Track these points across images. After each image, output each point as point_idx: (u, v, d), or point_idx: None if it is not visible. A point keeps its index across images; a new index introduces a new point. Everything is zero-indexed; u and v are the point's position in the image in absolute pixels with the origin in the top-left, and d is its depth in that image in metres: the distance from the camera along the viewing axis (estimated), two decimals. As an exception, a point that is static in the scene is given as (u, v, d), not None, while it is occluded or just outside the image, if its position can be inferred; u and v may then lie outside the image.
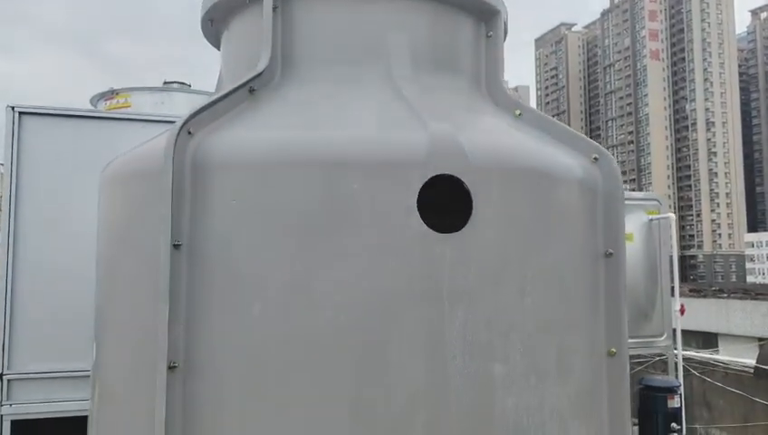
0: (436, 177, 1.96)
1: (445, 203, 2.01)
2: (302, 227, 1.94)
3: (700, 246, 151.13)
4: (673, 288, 6.57)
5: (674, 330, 6.69)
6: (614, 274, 2.34)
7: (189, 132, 2.04)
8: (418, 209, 1.95)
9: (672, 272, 6.55)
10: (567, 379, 2.16)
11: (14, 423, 4.04)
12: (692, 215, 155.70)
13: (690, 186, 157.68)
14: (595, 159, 2.39)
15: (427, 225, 1.94)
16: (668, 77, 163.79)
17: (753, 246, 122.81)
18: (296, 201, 1.95)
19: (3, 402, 4.04)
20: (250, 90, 2.26)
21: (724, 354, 14.21)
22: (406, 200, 1.94)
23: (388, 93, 2.25)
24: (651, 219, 6.47)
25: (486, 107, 2.47)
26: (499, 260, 2.05)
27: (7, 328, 4.10)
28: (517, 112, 2.51)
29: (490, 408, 1.96)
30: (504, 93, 2.54)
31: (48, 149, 4.25)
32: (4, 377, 4.04)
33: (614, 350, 2.31)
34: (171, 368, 1.92)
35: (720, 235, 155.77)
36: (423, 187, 1.95)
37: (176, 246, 1.96)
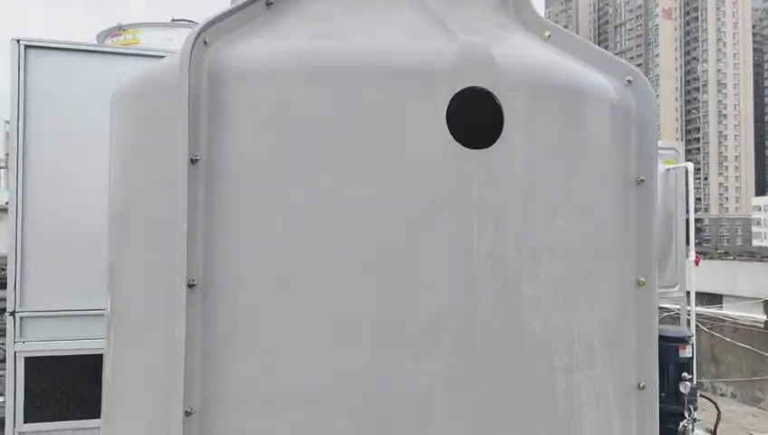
0: (466, 89, 1.86)
1: (474, 118, 1.92)
2: (324, 141, 1.85)
3: (707, 210, 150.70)
4: (688, 238, 6.50)
5: (687, 292, 6.66)
6: (645, 202, 2.25)
7: (205, 42, 1.93)
8: (447, 124, 1.85)
9: (688, 222, 6.45)
10: (595, 305, 2.10)
11: (27, 360, 4.05)
12: (699, 178, 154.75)
13: (699, 148, 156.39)
14: (629, 81, 2.28)
15: (456, 140, 1.85)
16: (680, 37, 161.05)
17: (760, 209, 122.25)
18: (318, 113, 1.85)
19: (16, 340, 4.04)
20: (267, 3, 2.15)
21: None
22: (433, 114, 1.85)
23: (413, 5, 2.14)
24: (668, 169, 6.35)
25: (514, 25, 2.35)
26: (529, 179, 1.96)
27: (19, 266, 4.07)
28: (546, 34, 2.39)
29: (518, 329, 1.90)
30: (533, 13, 2.42)
31: (56, 83, 4.14)
32: (16, 314, 4.03)
33: (643, 279, 2.24)
34: (190, 286, 1.86)
35: (727, 198, 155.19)
36: (452, 100, 1.85)
37: (193, 161, 1.87)
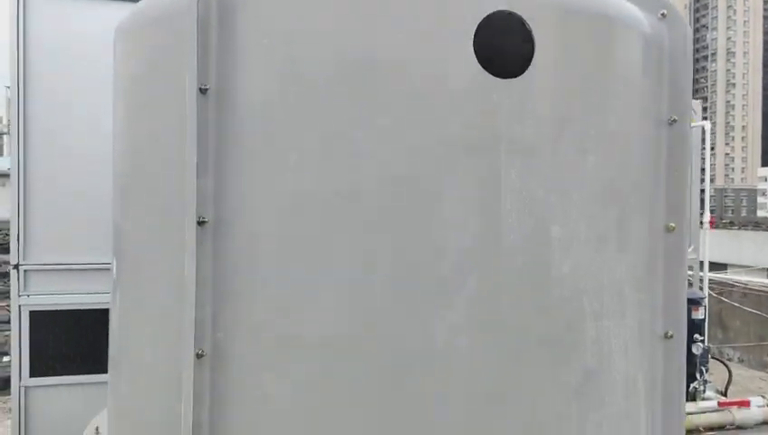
0: (494, 13, 1.74)
1: (502, 45, 1.79)
2: (340, 69, 1.73)
3: (712, 180, 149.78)
4: (703, 199, 6.38)
5: (701, 262, 6.55)
6: (677, 143, 2.14)
7: (215, -36, 1.80)
8: (474, 51, 1.73)
9: (704, 184, 6.32)
10: (625, 248, 2.00)
11: (32, 314, 3.99)
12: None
13: (706, 118, 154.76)
14: (663, 15, 2.14)
15: (484, 68, 1.73)
16: (690, 4, 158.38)
17: (765, 180, 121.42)
18: (334, 40, 1.73)
19: (20, 293, 3.97)
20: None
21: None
22: (459, 40, 1.72)
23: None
24: (684, 128, 6.19)
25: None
26: (560, 113, 1.85)
27: (22, 218, 3.99)
28: (575, -35, 2.24)
29: (546, 270, 1.80)
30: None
31: (56, 30, 4.00)
32: (20, 268, 3.96)
33: (673, 225, 2.14)
34: (200, 223, 1.76)
35: (733, 169, 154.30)
36: (479, 25, 1.73)
37: (202, 91, 1.76)
